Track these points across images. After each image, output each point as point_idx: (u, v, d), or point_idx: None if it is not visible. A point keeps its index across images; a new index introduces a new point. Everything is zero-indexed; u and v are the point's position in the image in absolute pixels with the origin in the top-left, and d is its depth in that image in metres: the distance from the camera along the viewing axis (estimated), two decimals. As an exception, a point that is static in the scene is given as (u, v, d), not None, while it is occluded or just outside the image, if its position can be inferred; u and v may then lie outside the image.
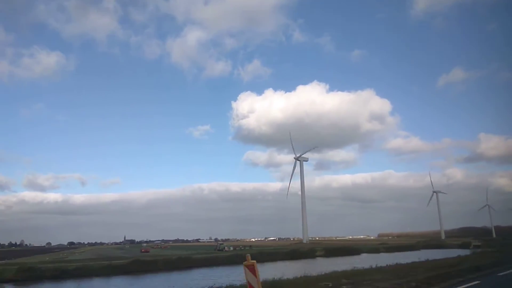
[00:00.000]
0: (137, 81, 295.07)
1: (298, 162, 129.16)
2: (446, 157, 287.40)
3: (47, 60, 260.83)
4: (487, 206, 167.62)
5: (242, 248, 75.92)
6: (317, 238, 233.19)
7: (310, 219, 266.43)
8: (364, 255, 71.86)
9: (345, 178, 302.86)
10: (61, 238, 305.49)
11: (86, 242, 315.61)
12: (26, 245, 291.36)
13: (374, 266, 27.00)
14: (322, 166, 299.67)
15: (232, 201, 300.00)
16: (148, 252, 76.53)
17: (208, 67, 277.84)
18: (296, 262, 52.25)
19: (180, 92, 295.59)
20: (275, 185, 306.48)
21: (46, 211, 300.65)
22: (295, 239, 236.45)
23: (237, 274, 37.65)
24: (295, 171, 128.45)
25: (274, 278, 19.84)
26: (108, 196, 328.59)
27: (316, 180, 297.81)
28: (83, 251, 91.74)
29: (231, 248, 74.04)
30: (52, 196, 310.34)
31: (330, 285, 16.95)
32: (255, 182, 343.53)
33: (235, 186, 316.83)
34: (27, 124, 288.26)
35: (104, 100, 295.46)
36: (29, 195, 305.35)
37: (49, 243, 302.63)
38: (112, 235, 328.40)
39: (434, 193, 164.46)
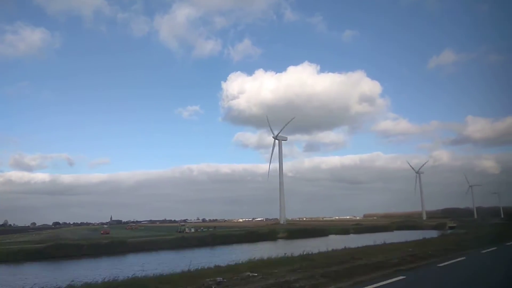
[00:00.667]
0: (124, 60, 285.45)
1: (276, 141, 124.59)
2: (433, 140, 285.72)
3: (32, 37, 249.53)
4: (470, 187, 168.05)
5: (204, 230, 71.85)
6: (297, 219, 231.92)
7: (299, 200, 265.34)
8: (332, 236, 68.20)
9: (334, 160, 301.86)
10: (48, 218, 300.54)
11: (71, 222, 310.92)
12: (10, 225, 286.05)
13: (310, 252, 22.73)
14: (311, 147, 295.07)
15: (222, 182, 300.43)
16: (107, 233, 72.21)
17: (197, 46, 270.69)
18: (248, 245, 48.20)
19: (168, 72, 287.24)
20: (265, 166, 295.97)
21: (33, 191, 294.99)
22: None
23: (169, 259, 33.36)
24: (274, 150, 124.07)
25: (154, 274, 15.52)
26: (96, 176, 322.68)
27: (306, 161, 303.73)
28: (43, 233, 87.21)
29: (192, 230, 69.96)
30: (40, 176, 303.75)
31: (218, 280, 12.88)
32: (245, 164, 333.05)
33: (225, 167, 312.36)
34: (12, 103, 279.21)
35: (91, 80, 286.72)
36: (16, 175, 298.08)
37: (33, 223, 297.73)
38: (100, 215, 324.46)
39: (417, 174, 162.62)
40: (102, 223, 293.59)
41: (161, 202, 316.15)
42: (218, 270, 16.91)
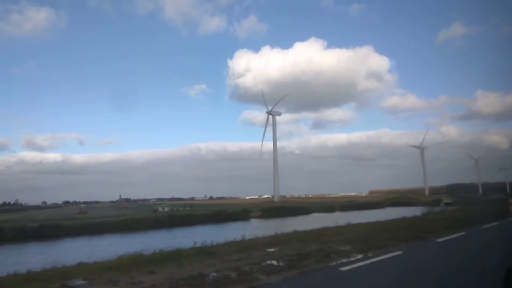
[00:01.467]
0: (130, 38, 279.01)
1: (270, 116, 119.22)
2: (441, 115, 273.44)
3: (37, 17, 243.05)
4: (476, 161, 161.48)
5: (181, 209, 68.04)
6: (303, 196, 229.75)
7: (306, 177, 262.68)
8: (315, 214, 63.63)
9: (341, 137, 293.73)
10: (61, 197, 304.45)
11: (81, 201, 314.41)
12: (21, 204, 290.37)
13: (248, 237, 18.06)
14: (318, 125, 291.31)
15: (230, 160, 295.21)
16: (84, 213, 68.97)
17: (202, 23, 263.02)
18: (210, 227, 44.06)
19: (174, 50, 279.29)
20: (272, 145, 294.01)
21: (46, 170, 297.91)
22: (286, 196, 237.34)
23: (95, 246, 29.23)
24: (268, 125, 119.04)
25: None
26: (106, 155, 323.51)
27: (312, 139, 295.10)
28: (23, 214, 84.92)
29: (166, 209, 66.16)
30: (52, 156, 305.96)
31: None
32: (252, 142, 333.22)
33: (233, 145, 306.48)
34: (20, 84, 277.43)
35: (97, 59, 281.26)
36: (29, 155, 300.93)
37: (44, 202, 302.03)
38: (110, 194, 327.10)
39: (421, 149, 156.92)
40: (112, 201, 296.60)
41: (170, 180, 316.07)
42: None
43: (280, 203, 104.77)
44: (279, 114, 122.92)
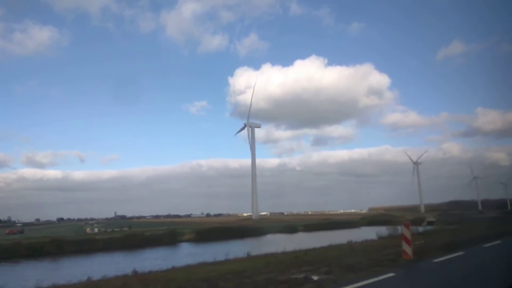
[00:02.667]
0: (132, 56, 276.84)
1: (249, 128, 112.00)
2: (442, 132, 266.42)
3: (40, 35, 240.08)
4: (474, 179, 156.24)
5: (117, 229, 59.06)
6: (303, 213, 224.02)
7: (307, 194, 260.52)
8: (269, 236, 55.36)
9: (342, 154, 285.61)
10: (60, 214, 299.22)
11: (76, 218, 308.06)
12: (14, 221, 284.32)
13: None
14: (319, 141, 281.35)
15: (231, 177, 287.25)
16: (14, 233, 61.17)
17: (203, 41, 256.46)
18: (118, 255, 36.18)
19: (176, 67, 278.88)
20: (273, 161, 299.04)
21: (46, 187, 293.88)
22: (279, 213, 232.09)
23: None
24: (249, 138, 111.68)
25: None
26: (107, 172, 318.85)
27: (314, 155, 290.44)
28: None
29: (96, 230, 57.64)
30: (52, 173, 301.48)
31: None
32: None
33: (233, 162, 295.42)
34: (22, 102, 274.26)
35: (99, 76, 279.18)
36: (29, 172, 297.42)
37: (38, 219, 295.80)
38: (109, 211, 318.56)
39: (415, 165, 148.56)
40: (107, 218, 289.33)
41: (171, 197, 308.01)
42: None
43: (254, 222, 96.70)
44: (258, 126, 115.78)
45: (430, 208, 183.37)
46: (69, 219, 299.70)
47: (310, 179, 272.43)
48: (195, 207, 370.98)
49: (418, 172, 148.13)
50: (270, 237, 54.05)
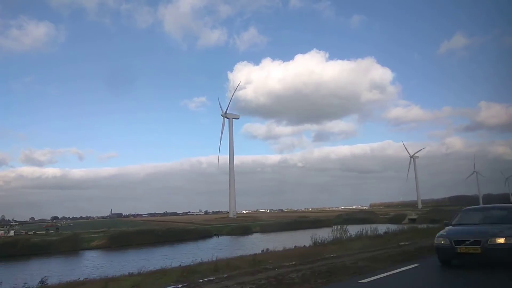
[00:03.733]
0: (130, 52, 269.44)
1: (227, 120, 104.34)
2: (446, 126, 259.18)
3: (36, 31, 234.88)
4: (475, 173, 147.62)
5: (38, 232, 50.90)
6: (303, 209, 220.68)
7: (308, 190, 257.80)
8: (213, 239, 47.63)
9: (344, 149, 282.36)
10: (57, 213, 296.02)
11: (70, 217, 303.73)
12: (8, 220, 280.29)
13: None
14: (321, 137, 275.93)
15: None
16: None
17: (202, 36, 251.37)
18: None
19: (174, 63, 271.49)
20: (274, 157, 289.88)
21: (45, 185, 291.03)
22: (283, 210, 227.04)
23: None
24: (224, 130, 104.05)
25: None
26: (106, 170, 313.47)
27: (315, 151, 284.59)
28: None
29: (12, 233, 49.41)
30: (51, 171, 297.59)
31: None
32: (254, 155, 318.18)
33: (234, 159, 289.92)
34: (19, 98, 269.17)
35: (97, 73, 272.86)
36: (27, 170, 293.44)
37: (32, 218, 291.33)
38: (107, 209, 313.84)
39: (411, 159, 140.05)
40: (103, 217, 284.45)
41: (171, 195, 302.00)
42: None
43: (234, 220, 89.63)
44: (237, 118, 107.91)
45: (431, 204, 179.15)
46: (63, 218, 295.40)
47: (312, 175, 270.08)
48: (193, 204, 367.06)
49: (415, 167, 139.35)
50: (213, 241, 46.38)
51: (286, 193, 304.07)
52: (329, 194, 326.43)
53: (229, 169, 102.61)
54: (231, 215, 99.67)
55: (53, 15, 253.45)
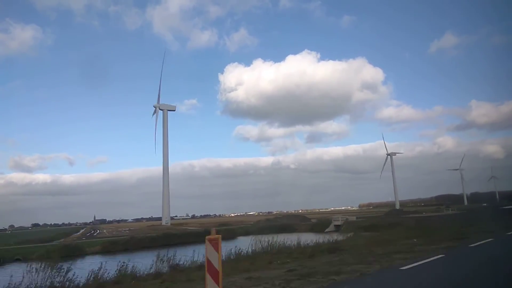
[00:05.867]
0: (118, 54, 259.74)
1: (161, 111, 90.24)
2: (437, 126, 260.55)
3: (23, 35, 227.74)
4: (458, 171, 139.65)
5: None
6: (293, 211, 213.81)
7: (302, 192, 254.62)
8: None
9: (336, 150, 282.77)
10: (49, 219, 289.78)
11: (52, 223, 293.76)
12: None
13: None
14: (313, 138, 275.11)
15: (224, 177, 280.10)
16: None
17: (192, 37, 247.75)
18: None
19: (164, 65, 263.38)
20: (266, 160, 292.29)
21: (34, 192, 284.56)
22: (273, 212, 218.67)
23: None
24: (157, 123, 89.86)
25: None
26: (97, 175, 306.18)
27: (308, 153, 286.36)
28: None
29: None
30: (41, 177, 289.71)
31: None
32: (246, 157, 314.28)
33: (226, 161, 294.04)
34: (6, 103, 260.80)
35: (85, 76, 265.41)
36: (17, 177, 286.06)
37: (12, 226, 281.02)
38: (98, 215, 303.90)
39: (388, 156, 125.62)
40: (86, 223, 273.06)
41: (158, 199, 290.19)
42: None
43: (166, 228, 75.86)
44: (173, 109, 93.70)
45: (415, 203, 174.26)
46: (45, 224, 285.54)
47: (305, 177, 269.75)
48: (183, 208, 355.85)
49: (393, 165, 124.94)
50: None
51: (279, 195, 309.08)
52: (322, 195, 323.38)
53: (163, 167, 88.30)
54: (163, 222, 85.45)
55: (40, 18, 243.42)
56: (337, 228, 48.15)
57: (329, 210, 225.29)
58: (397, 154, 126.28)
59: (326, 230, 48.72)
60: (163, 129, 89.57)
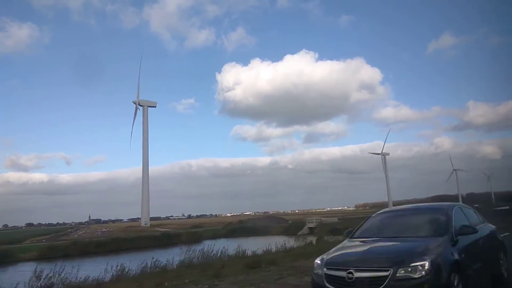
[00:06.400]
0: (116, 53, 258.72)
1: (140, 108, 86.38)
2: (435, 126, 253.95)
3: (19, 33, 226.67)
4: (454, 172, 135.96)
5: None
6: (290, 211, 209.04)
7: (299, 192, 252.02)
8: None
9: (334, 151, 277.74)
10: (45, 219, 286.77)
11: (46, 223, 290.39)
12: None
13: None
14: (311, 138, 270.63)
15: (222, 176, 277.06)
16: None
17: (190, 36, 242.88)
18: None
19: (161, 64, 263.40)
20: (264, 160, 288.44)
21: (31, 191, 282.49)
22: (272, 212, 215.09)
23: None
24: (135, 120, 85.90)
25: None
26: (94, 174, 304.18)
27: (306, 153, 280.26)
28: None
29: None
30: (38, 176, 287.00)
31: None
32: (244, 157, 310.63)
33: (224, 161, 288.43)
34: (2, 102, 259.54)
35: (83, 75, 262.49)
36: (14, 176, 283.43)
37: (5, 225, 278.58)
38: (95, 215, 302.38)
39: (381, 156, 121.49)
40: (81, 223, 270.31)
41: (161, 198, 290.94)
42: None
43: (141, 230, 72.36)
44: (154, 106, 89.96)
45: (410, 203, 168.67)
46: (39, 224, 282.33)
47: (303, 177, 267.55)
48: (179, 208, 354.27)
49: (386, 164, 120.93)
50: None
51: (277, 195, 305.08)
52: (320, 195, 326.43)
53: (143, 166, 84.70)
54: (142, 223, 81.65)
55: (36, 16, 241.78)
56: (311, 231, 44.50)
57: (325, 210, 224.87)
58: (386, 157, 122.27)
59: (299, 233, 44.93)
60: (143, 126, 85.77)
